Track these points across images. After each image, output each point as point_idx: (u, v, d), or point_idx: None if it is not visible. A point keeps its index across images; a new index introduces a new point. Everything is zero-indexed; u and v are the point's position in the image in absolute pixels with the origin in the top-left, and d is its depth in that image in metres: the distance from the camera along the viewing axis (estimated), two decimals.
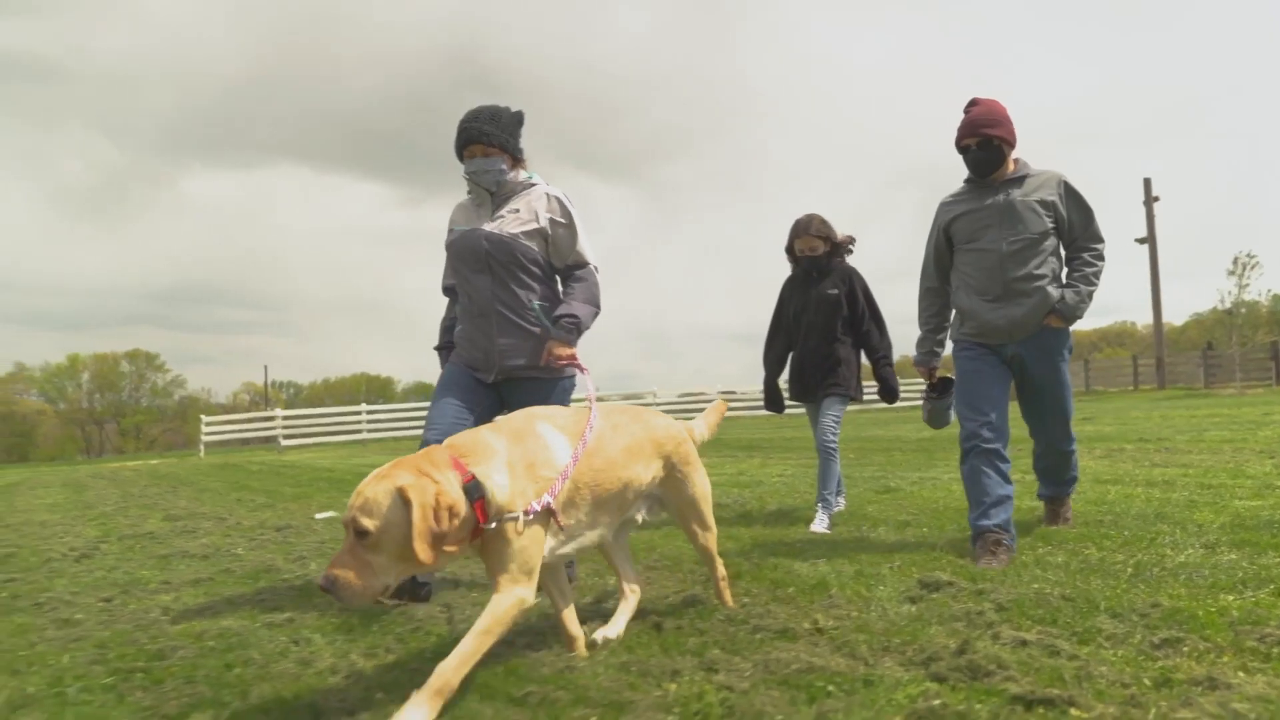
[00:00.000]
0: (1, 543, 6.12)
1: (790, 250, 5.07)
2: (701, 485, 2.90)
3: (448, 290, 3.70)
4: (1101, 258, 3.87)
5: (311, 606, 3.43)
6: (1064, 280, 3.88)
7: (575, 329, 3.35)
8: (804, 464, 8.58)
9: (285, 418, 25.71)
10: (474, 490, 2.14)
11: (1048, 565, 3.29)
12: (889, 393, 5.02)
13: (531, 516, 2.20)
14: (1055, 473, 4.13)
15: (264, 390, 67.25)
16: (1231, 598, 2.67)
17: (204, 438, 24.89)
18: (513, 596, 2.16)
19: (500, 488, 2.18)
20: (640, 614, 2.90)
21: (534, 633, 2.79)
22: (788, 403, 5.30)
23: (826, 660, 2.27)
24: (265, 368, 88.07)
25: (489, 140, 3.40)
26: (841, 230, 5.08)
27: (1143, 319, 70.56)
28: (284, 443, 24.43)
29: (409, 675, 2.43)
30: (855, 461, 8.50)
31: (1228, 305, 28.54)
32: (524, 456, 2.28)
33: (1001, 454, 3.72)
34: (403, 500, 1.97)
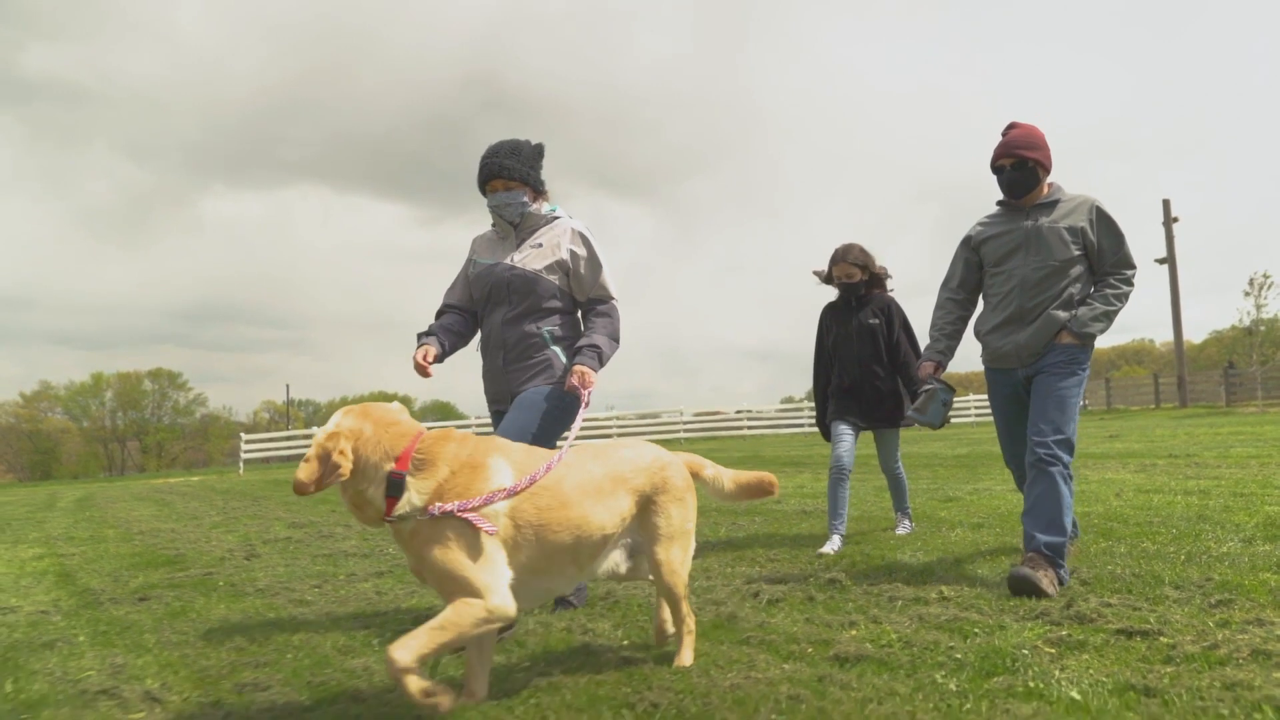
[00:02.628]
0: (160, 546, 6.90)
1: (829, 281, 5.16)
2: (677, 519, 2.68)
3: (443, 310, 3.76)
4: (1129, 283, 3.81)
5: None
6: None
7: (597, 356, 3.40)
8: (858, 478, 9.29)
9: None
10: (395, 488, 2.30)
11: (1113, 554, 4.01)
12: None
13: (428, 517, 2.29)
14: (1042, 509, 3.52)
15: (285, 409, 68.05)
16: (1269, 575, 3.39)
17: (243, 455, 25.77)
18: (462, 605, 2.26)
19: (410, 504, 2.31)
20: (793, 590, 3.64)
21: (718, 603, 3.53)
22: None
23: (964, 615, 3.01)
24: (287, 386, 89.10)
25: (509, 175, 3.52)
26: (879, 261, 5.13)
27: (1161, 337, 70.95)
28: None
29: (630, 630, 3.19)
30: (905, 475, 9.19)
31: (1247, 324, 29.14)
32: (459, 486, 2.35)
33: None
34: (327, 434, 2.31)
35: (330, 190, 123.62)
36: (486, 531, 2.30)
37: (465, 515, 2.29)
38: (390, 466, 2.32)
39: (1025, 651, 2.52)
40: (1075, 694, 2.16)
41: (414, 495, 2.32)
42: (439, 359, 3.55)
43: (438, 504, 2.30)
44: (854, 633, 2.91)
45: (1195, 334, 63.37)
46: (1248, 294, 29.39)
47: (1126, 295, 3.79)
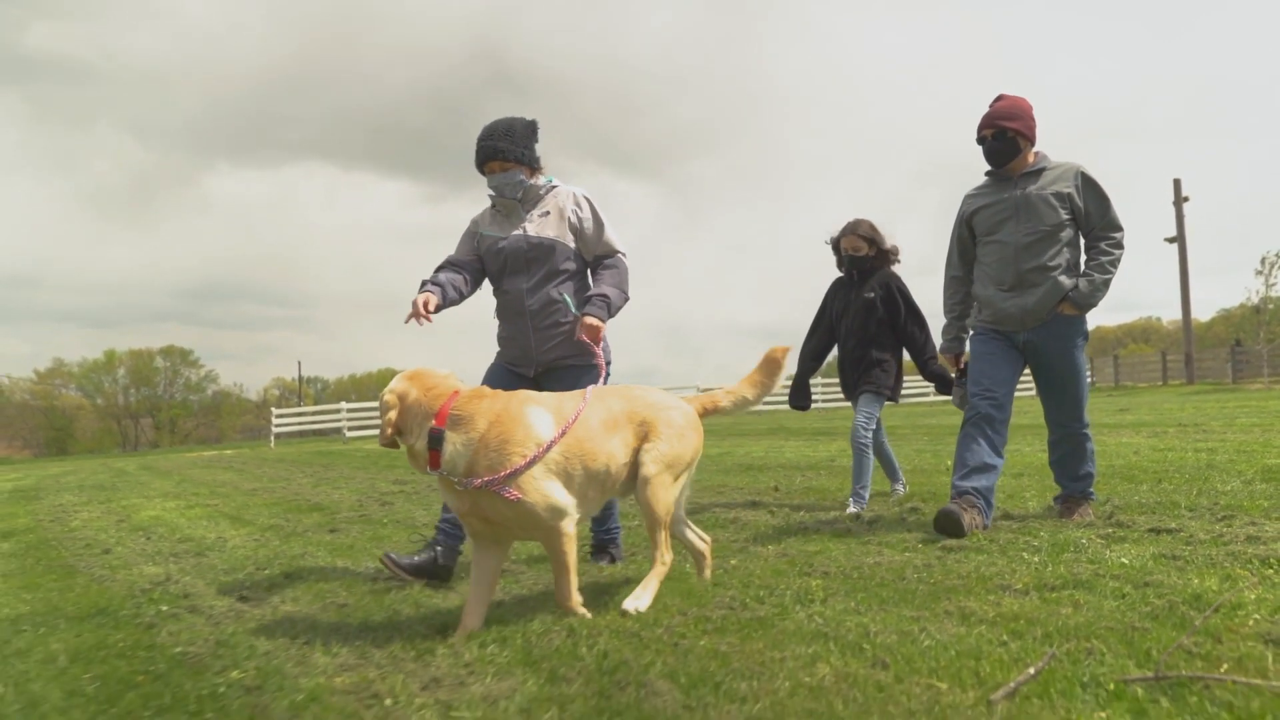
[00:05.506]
0: (290, 498, 7.78)
1: (836, 250, 5.32)
2: (667, 452, 2.89)
3: (444, 265, 3.78)
4: (1119, 246, 3.92)
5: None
6: (1082, 269, 3.99)
7: (605, 306, 3.51)
8: (894, 443, 10.20)
9: (350, 410, 26.95)
10: (435, 440, 2.56)
11: (1137, 491, 4.94)
12: (944, 384, 5.02)
13: (465, 487, 2.58)
14: (1069, 464, 4.16)
15: (298, 386, 68.98)
16: (1264, 501, 4.32)
17: (274, 429, 26.67)
18: (550, 535, 2.67)
19: (453, 456, 2.58)
20: (884, 515, 4.56)
21: (831, 524, 4.45)
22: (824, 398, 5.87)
23: (1030, 525, 3.96)
24: (299, 363, 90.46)
25: (505, 156, 3.64)
26: (889, 239, 5.26)
27: (1168, 315, 71.69)
28: (348, 434, 25.66)
29: (765, 541, 4.11)
30: (934, 442, 10.14)
31: (1255, 302, 29.94)
32: (499, 435, 2.58)
33: (997, 424, 3.96)
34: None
35: (335, 168, 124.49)
36: (510, 498, 2.57)
37: (495, 489, 2.57)
38: (430, 424, 2.62)
39: (1084, 541, 3.48)
40: (1124, 560, 3.10)
41: (457, 447, 2.59)
42: (439, 309, 3.59)
43: (470, 479, 2.58)
44: (937, 544, 3.84)
45: (1202, 312, 64.16)
46: (1259, 273, 30.24)
47: (1118, 260, 3.94)
